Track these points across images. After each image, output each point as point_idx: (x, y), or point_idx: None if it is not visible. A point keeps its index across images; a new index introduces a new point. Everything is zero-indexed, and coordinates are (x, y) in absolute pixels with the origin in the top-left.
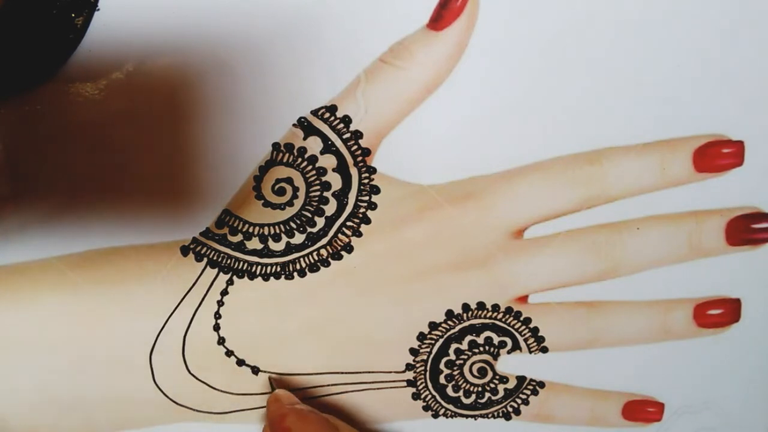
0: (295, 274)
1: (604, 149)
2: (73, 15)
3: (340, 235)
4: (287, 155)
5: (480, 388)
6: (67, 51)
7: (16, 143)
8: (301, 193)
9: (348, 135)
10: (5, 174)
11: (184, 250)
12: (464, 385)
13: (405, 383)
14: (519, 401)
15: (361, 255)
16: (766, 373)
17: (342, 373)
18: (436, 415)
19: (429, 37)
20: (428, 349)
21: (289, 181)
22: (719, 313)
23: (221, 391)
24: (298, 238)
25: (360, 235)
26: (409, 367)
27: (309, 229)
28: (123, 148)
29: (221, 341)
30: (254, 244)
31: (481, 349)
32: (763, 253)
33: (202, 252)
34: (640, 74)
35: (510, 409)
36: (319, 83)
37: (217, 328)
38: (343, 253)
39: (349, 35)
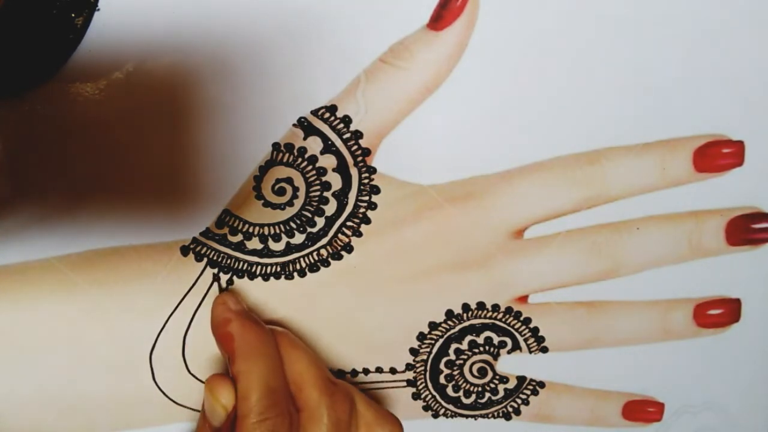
0: (295, 274)
1: (604, 149)
2: (73, 15)
3: (340, 235)
4: (287, 155)
5: (480, 388)
6: (67, 51)
7: (16, 143)
8: (301, 193)
9: (348, 135)
10: (5, 174)
11: (184, 250)
12: (464, 385)
13: (405, 383)
14: (519, 401)
15: (361, 255)
16: (766, 373)
17: (342, 373)
18: (436, 415)
19: (429, 37)
20: (428, 349)
21: (289, 181)
22: (719, 313)
23: None
24: (298, 238)
25: (360, 235)
26: (409, 367)
27: (309, 229)
28: (123, 148)
29: None
30: (254, 244)
31: (481, 349)
32: (763, 253)
33: (202, 252)
34: (640, 74)
35: (510, 409)
36: (319, 83)
37: None
38: (343, 253)
39: (349, 35)
